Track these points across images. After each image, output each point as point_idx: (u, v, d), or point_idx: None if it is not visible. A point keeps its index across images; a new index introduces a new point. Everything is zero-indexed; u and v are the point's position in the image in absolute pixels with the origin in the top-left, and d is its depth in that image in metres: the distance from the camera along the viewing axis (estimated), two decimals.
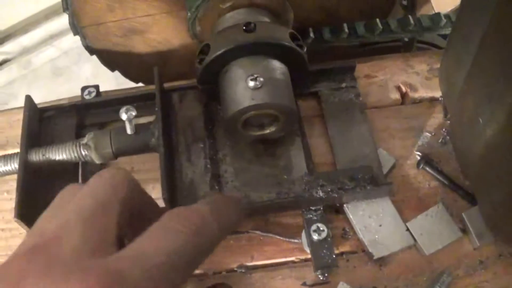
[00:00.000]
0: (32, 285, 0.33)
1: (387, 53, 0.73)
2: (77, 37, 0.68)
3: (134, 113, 0.57)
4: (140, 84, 0.75)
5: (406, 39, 0.73)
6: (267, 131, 0.60)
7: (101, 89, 0.70)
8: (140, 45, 0.68)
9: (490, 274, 0.59)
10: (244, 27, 0.57)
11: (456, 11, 0.68)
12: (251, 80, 0.55)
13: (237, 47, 0.57)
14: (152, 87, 0.63)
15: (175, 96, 0.65)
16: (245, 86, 0.56)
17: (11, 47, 1.33)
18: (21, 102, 0.67)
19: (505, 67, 0.47)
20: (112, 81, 0.88)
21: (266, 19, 0.61)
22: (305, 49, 0.59)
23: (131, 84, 0.78)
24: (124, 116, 0.57)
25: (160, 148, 0.57)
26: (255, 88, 0.55)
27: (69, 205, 0.38)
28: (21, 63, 1.30)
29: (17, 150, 0.66)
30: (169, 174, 0.58)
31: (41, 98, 0.68)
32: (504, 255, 0.59)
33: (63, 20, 0.86)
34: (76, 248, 0.35)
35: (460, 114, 0.58)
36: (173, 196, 0.58)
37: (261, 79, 0.56)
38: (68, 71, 0.75)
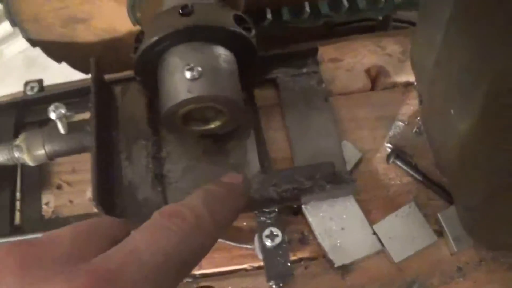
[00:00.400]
0: (7, 284, 0.29)
1: (358, 32, 0.63)
2: None
3: (63, 111, 0.50)
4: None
5: (380, 18, 0.63)
6: (212, 126, 0.51)
7: (74, 78, 0.63)
8: (85, 35, 0.60)
9: (469, 282, 0.50)
10: (180, 10, 0.48)
11: None
12: (188, 70, 0.47)
13: (172, 33, 0.48)
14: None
15: (117, 88, 0.56)
16: (182, 77, 0.47)
17: None
18: None
19: (476, 51, 0.38)
20: None
21: (210, 1, 0.52)
22: (253, 32, 0.50)
23: None
24: (52, 115, 0.50)
25: (93, 149, 0.50)
26: (192, 79, 0.47)
27: None
28: None
29: None
30: (104, 176, 0.50)
31: (15, 90, 0.62)
32: (486, 260, 0.50)
33: None
34: (63, 252, 0.31)
35: (431, 102, 0.49)
36: (110, 200, 0.50)
37: (199, 68, 0.47)
38: (40, 61, 0.68)
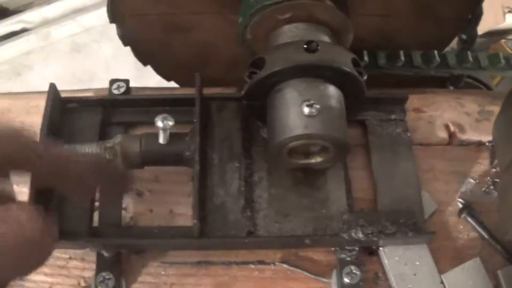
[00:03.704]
0: None
1: (429, 82, 0.64)
2: (100, 15, 0.58)
3: (171, 123, 0.48)
4: (172, 83, 0.65)
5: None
6: (313, 161, 0.51)
7: (119, 75, 0.60)
8: (180, 44, 0.58)
9: None
10: (305, 46, 0.48)
11: None
12: (307, 106, 0.47)
13: (296, 67, 0.48)
14: (188, 90, 0.54)
15: (213, 105, 0.55)
16: (299, 112, 0.47)
17: (32, 16, 1.17)
18: (35, 75, 0.58)
19: None
20: (132, 66, 0.77)
21: (326, 38, 0.52)
22: (365, 77, 0.50)
23: (152, 74, 0.67)
24: (160, 124, 0.48)
25: (196, 166, 0.48)
26: (310, 116, 0.47)
27: None
28: (40, 35, 1.15)
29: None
30: (202, 195, 0.49)
31: (56, 73, 0.59)
32: None
33: None
34: None
35: None
36: (203, 217, 0.49)
37: (318, 106, 0.47)
38: (88, 48, 0.65)
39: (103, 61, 0.63)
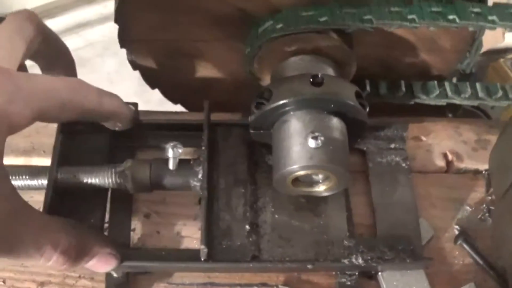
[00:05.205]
0: None
1: (428, 109, 0.68)
2: (104, 30, 0.62)
3: (181, 151, 0.52)
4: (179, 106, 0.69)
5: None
6: (315, 189, 0.55)
7: (123, 89, 0.64)
8: (187, 69, 0.62)
9: None
10: (311, 79, 0.52)
11: None
12: (312, 138, 0.50)
13: (302, 100, 0.51)
14: (193, 115, 0.58)
15: (220, 131, 0.59)
16: (304, 143, 0.51)
17: None
18: None
19: None
20: (135, 81, 0.81)
21: (330, 70, 0.56)
22: (367, 109, 0.54)
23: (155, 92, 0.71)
24: (170, 153, 0.52)
25: (204, 193, 0.52)
26: (315, 147, 0.50)
27: None
28: None
29: (42, 158, 0.61)
30: (208, 219, 0.53)
31: None
32: None
33: (92, 10, 0.77)
34: None
35: (510, 201, 0.54)
36: (209, 241, 0.53)
37: (322, 138, 0.51)
38: (92, 63, 0.67)
39: (106, 76, 0.66)
